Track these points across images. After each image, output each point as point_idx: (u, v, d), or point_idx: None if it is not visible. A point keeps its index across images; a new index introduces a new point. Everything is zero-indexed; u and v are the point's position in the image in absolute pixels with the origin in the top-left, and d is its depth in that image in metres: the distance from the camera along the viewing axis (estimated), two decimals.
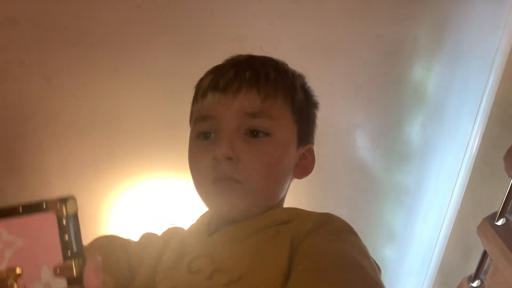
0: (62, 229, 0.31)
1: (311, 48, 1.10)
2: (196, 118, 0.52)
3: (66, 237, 0.31)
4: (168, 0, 1.03)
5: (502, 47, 1.07)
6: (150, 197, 1.20)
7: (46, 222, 0.32)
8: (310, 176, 1.26)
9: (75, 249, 0.31)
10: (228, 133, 0.47)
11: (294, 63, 1.14)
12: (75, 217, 0.32)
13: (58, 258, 0.31)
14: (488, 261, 0.98)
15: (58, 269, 0.31)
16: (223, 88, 0.48)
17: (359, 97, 1.16)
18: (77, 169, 1.17)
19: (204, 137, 0.50)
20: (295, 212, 0.50)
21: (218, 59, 1.11)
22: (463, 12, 1.06)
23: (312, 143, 0.59)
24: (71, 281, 0.31)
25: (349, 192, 1.27)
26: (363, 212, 1.30)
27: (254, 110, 0.47)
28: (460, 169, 1.22)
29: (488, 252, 0.94)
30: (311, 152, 0.59)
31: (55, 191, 1.19)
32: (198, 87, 0.55)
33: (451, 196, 1.26)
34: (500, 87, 1.10)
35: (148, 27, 1.06)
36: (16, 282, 0.31)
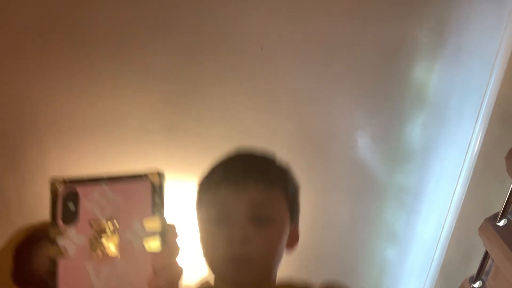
0: (155, 194, 0.42)
1: (311, 48, 1.10)
2: (210, 205, 0.61)
3: (157, 199, 0.42)
4: (168, 2, 1.03)
5: (503, 47, 1.07)
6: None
7: (142, 188, 0.42)
8: (311, 177, 1.26)
9: (161, 209, 0.42)
10: (241, 219, 0.58)
11: (295, 64, 1.14)
12: (163, 187, 0.43)
13: (147, 214, 0.41)
14: (489, 262, 0.97)
15: (147, 222, 0.41)
16: (235, 182, 0.59)
17: (359, 97, 1.16)
18: (77, 170, 1.17)
19: (218, 221, 0.59)
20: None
21: (218, 61, 1.12)
22: (464, 13, 1.06)
23: (298, 221, 0.69)
24: (155, 232, 0.41)
25: (350, 192, 1.27)
26: (364, 212, 1.30)
27: (260, 200, 0.59)
28: (461, 170, 1.22)
29: (489, 253, 0.94)
30: (296, 228, 0.69)
31: None
32: (210, 178, 0.64)
33: (453, 197, 1.26)
34: (502, 87, 1.09)
35: (148, 29, 1.06)
36: (113, 230, 0.41)
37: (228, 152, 0.68)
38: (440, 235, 1.31)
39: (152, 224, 0.41)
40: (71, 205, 0.41)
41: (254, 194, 0.58)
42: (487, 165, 1.14)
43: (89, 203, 0.41)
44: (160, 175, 0.43)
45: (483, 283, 1.00)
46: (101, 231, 0.41)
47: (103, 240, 0.40)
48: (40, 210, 1.21)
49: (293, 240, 0.67)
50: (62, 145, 1.16)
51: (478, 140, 1.16)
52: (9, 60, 1.07)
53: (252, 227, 0.58)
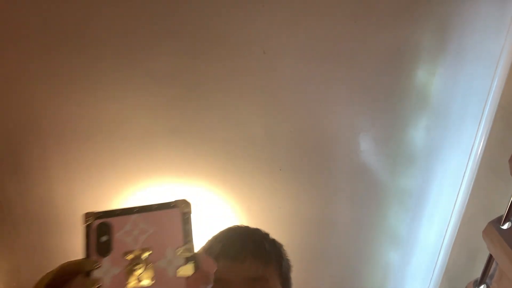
0: (184, 221, 0.44)
1: (314, 52, 1.10)
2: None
3: (187, 227, 0.44)
4: (171, 5, 1.04)
5: (506, 50, 1.07)
6: (153, 202, 1.20)
7: (172, 216, 0.44)
8: (313, 180, 1.26)
9: (191, 236, 0.43)
10: None
11: (297, 68, 1.15)
12: (191, 214, 0.44)
13: (179, 242, 0.43)
14: (494, 265, 0.97)
15: (180, 249, 0.43)
16: (233, 257, 0.61)
17: (362, 101, 1.16)
18: (81, 174, 1.17)
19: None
20: None
21: (221, 64, 1.12)
22: (466, 15, 1.06)
23: None
24: (188, 259, 0.42)
25: (353, 196, 1.27)
26: (367, 216, 1.29)
27: (256, 275, 0.61)
28: (464, 172, 1.22)
29: (493, 256, 0.93)
30: None
31: (59, 196, 1.19)
32: (209, 251, 0.66)
33: (456, 200, 1.25)
34: (505, 89, 1.09)
35: (151, 32, 1.07)
36: (147, 259, 0.42)
37: (226, 228, 0.71)
38: (444, 238, 1.30)
39: (184, 251, 0.43)
40: (104, 237, 0.43)
41: (250, 270, 0.61)
42: (490, 167, 1.14)
43: (122, 234, 0.43)
44: (188, 203, 0.45)
45: (487, 286, 1.00)
46: (135, 261, 0.42)
47: (138, 270, 0.42)
48: (43, 215, 1.22)
49: None
50: (65, 149, 1.16)
51: (482, 142, 1.16)
52: (12, 63, 1.08)
53: None
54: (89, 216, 0.44)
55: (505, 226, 0.90)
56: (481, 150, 1.17)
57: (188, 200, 0.45)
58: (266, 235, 0.70)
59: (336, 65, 1.12)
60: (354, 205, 1.28)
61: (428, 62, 1.11)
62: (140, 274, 0.41)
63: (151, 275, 0.41)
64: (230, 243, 0.64)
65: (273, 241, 0.69)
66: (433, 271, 1.35)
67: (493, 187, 1.12)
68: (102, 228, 0.43)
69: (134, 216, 0.44)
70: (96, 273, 0.41)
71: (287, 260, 0.70)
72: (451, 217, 1.27)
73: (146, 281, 0.41)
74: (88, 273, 0.41)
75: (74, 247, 1.24)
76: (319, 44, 1.09)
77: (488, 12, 1.06)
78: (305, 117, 1.16)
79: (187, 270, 0.42)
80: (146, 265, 0.42)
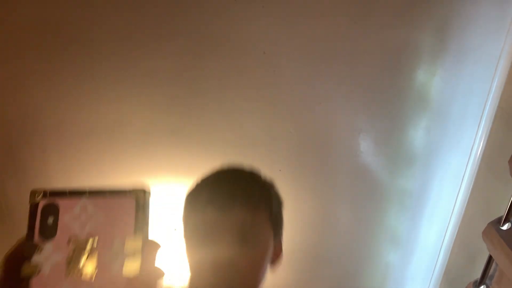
0: (138, 211, 0.40)
1: (314, 53, 1.10)
2: (196, 224, 0.62)
3: (140, 217, 0.40)
4: (170, 5, 1.04)
5: (506, 50, 1.07)
6: (153, 202, 1.20)
7: (126, 204, 0.40)
8: (313, 180, 1.26)
9: (145, 229, 0.40)
10: (227, 242, 0.59)
11: (297, 68, 1.15)
12: (148, 205, 0.41)
13: (129, 234, 0.39)
14: (493, 266, 0.97)
15: (128, 242, 0.39)
16: (221, 205, 0.59)
17: (362, 102, 1.16)
18: (80, 174, 1.17)
19: (203, 242, 0.60)
20: None
21: (221, 65, 1.12)
22: (466, 16, 1.06)
23: (281, 235, 0.70)
24: (136, 254, 0.39)
25: (352, 196, 1.27)
26: (367, 216, 1.29)
27: (245, 223, 0.60)
28: (464, 173, 1.22)
29: (493, 257, 0.93)
30: (279, 243, 0.70)
31: None
32: (196, 197, 0.65)
33: (456, 200, 1.25)
34: (505, 90, 1.09)
35: (150, 34, 1.07)
36: (92, 249, 0.39)
37: (215, 168, 0.68)
38: (444, 239, 1.30)
39: (133, 244, 0.39)
40: (50, 219, 0.39)
41: (239, 217, 0.60)
42: (490, 168, 1.14)
43: (69, 218, 0.40)
44: (146, 192, 0.41)
45: (487, 287, 1.00)
46: (79, 249, 0.39)
47: (81, 259, 0.39)
48: None
49: (276, 254, 0.68)
50: (64, 149, 1.16)
51: (481, 143, 1.16)
52: (12, 64, 1.08)
53: (238, 249, 0.59)
54: (35, 193, 0.40)
55: (505, 227, 0.90)
56: (481, 150, 1.17)
57: (148, 189, 0.41)
58: (256, 174, 0.68)
59: (336, 65, 1.12)
60: (354, 205, 1.28)
61: (428, 62, 1.11)
62: (82, 264, 0.38)
63: (94, 266, 0.38)
64: (218, 191, 0.62)
65: (263, 182, 0.67)
66: (433, 272, 1.35)
67: (493, 187, 1.12)
68: (48, 209, 0.39)
69: (84, 200, 0.40)
70: (36, 258, 0.38)
71: (278, 198, 0.69)
72: (451, 217, 1.27)
73: (88, 273, 0.38)
74: (28, 257, 0.38)
75: None
76: (319, 44, 1.09)
77: (488, 14, 1.06)
78: (305, 117, 1.16)
79: (132, 266, 0.38)
80: (90, 255, 0.39)
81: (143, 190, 0.41)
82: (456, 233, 1.27)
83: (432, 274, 1.36)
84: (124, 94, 1.11)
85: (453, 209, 1.26)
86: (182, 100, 1.13)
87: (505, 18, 1.05)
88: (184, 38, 1.07)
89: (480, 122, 1.15)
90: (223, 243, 0.59)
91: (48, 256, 0.38)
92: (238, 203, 0.60)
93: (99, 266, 0.38)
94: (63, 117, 1.13)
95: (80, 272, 0.38)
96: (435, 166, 1.23)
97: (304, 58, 1.10)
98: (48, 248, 0.39)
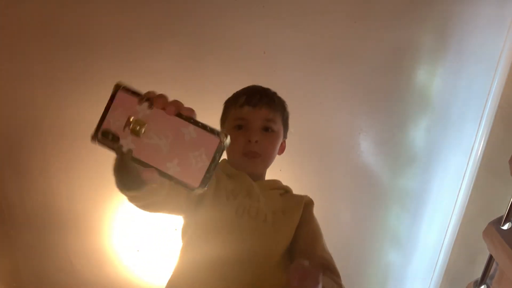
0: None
1: (314, 52, 1.10)
2: (235, 118, 0.87)
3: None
4: (171, 6, 1.04)
5: (506, 50, 1.07)
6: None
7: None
8: (314, 180, 1.26)
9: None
10: (255, 128, 0.85)
11: (297, 68, 1.15)
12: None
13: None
14: (494, 266, 0.97)
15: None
16: (253, 104, 0.86)
17: (363, 101, 1.16)
18: (81, 174, 1.17)
19: (239, 128, 0.86)
20: (285, 186, 0.92)
21: (221, 64, 1.12)
22: (466, 16, 1.06)
23: (286, 137, 0.95)
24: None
25: (353, 196, 1.27)
26: (368, 216, 1.29)
27: (268, 117, 0.86)
28: (464, 173, 1.22)
29: (494, 256, 0.93)
30: (284, 141, 0.95)
31: (59, 196, 1.19)
32: (235, 100, 0.89)
33: (456, 200, 1.25)
34: (505, 90, 1.09)
35: (151, 33, 1.07)
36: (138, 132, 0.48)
37: (247, 86, 0.92)
38: (444, 239, 1.30)
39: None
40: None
41: (264, 113, 0.85)
42: (490, 168, 1.14)
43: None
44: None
45: (488, 287, 1.00)
46: (132, 126, 0.48)
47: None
48: (43, 215, 1.22)
49: (282, 148, 0.94)
50: (65, 150, 1.16)
51: (482, 143, 1.16)
52: (13, 65, 1.08)
53: (262, 134, 0.84)
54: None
55: (505, 227, 0.90)
56: (481, 150, 1.17)
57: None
58: (275, 93, 0.92)
59: (336, 65, 1.12)
60: (354, 205, 1.28)
61: (428, 62, 1.12)
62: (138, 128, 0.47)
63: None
64: (252, 95, 0.88)
65: (280, 97, 0.92)
66: (434, 272, 1.35)
67: (493, 187, 1.12)
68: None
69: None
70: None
71: (288, 111, 0.94)
72: (451, 217, 1.27)
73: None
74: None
75: (74, 247, 1.24)
76: (319, 44, 1.09)
77: (488, 14, 1.06)
78: (304, 117, 1.16)
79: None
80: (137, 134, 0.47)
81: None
82: (456, 233, 1.27)
83: (433, 274, 1.36)
84: None
85: (453, 209, 1.26)
86: (182, 99, 1.12)
87: (505, 18, 1.05)
88: (184, 38, 1.07)
89: (480, 121, 1.15)
90: (253, 129, 0.84)
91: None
92: (265, 104, 0.86)
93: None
94: (63, 118, 1.13)
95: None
96: (436, 166, 1.23)
97: (304, 57, 1.11)
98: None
